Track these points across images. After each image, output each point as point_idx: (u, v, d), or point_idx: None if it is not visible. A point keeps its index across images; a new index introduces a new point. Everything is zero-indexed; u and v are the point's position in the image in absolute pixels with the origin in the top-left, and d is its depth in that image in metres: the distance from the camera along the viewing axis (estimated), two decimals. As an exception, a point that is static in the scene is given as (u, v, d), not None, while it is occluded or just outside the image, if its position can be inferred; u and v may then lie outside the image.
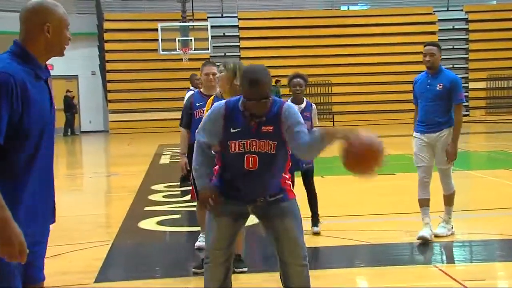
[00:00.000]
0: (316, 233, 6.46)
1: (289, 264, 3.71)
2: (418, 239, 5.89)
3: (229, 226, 3.73)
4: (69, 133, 24.35)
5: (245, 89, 3.56)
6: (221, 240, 3.71)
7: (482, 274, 5.09)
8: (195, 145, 3.81)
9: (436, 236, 5.95)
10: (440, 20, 26.30)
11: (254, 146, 3.57)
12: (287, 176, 3.82)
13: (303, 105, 6.53)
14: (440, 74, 6.06)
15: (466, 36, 26.24)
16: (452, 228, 6.14)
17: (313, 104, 6.71)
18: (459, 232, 6.48)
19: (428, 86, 6.06)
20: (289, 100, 6.64)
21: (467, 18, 26.48)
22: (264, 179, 3.64)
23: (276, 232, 3.70)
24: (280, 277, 3.79)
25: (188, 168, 5.83)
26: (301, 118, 3.65)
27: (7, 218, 2.45)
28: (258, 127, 3.56)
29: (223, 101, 3.80)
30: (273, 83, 23.62)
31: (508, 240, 6.10)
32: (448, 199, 6.13)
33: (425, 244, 5.86)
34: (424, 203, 6.07)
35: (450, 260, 5.84)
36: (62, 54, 2.87)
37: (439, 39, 25.91)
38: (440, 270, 5.21)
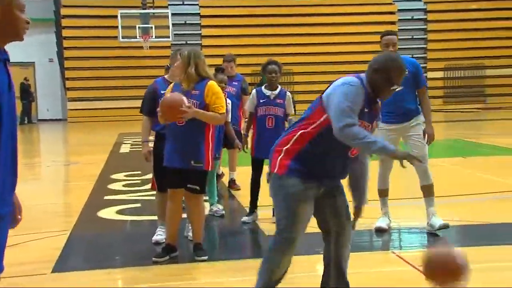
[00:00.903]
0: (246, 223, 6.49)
1: (346, 236, 3.81)
2: (375, 230, 5.93)
3: (310, 213, 3.72)
4: (25, 121, 23.89)
5: (397, 75, 3.64)
6: (304, 229, 3.73)
7: (438, 260, 5.19)
8: (352, 129, 3.43)
9: (444, 227, 5.78)
10: (399, 10, 26.59)
11: (368, 128, 3.62)
12: None
13: (276, 92, 6.54)
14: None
15: (425, 27, 26.60)
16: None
17: (288, 92, 6.72)
18: (418, 218, 6.59)
19: None
20: (263, 87, 6.65)
21: (425, 9, 26.83)
22: (349, 160, 3.69)
23: (337, 208, 3.75)
24: (326, 255, 3.88)
25: (152, 156, 5.77)
26: None
27: None
28: (377, 111, 3.75)
29: (357, 80, 3.61)
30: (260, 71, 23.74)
31: (465, 226, 6.25)
32: (431, 190, 5.93)
33: (383, 231, 5.94)
34: (384, 193, 6.07)
35: (408, 246, 5.93)
36: (20, 38, 2.79)
37: (398, 29, 26.23)
38: (398, 256, 5.30)
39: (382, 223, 5.98)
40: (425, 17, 26.71)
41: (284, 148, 3.65)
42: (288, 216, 3.64)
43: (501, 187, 8.35)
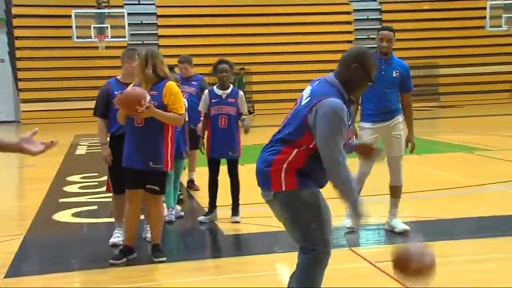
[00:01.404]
0: (236, 222, 6.50)
1: None
2: (347, 228, 5.84)
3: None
4: None
5: (374, 71, 3.57)
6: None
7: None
8: (339, 167, 3.37)
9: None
10: (355, 10, 26.89)
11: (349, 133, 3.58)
12: None
13: (228, 91, 6.55)
14: (393, 61, 5.89)
15: (380, 26, 26.95)
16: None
17: (240, 91, 6.72)
18: (375, 215, 6.67)
19: (382, 73, 5.70)
20: (215, 87, 6.64)
21: (380, 9, 27.20)
22: None
23: None
24: None
25: (112, 158, 5.71)
26: None
27: None
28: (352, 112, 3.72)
29: (340, 101, 3.40)
30: (237, 71, 23.80)
31: (420, 222, 6.34)
32: (400, 192, 5.94)
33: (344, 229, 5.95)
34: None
35: (364, 242, 6.01)
36: None
37: (354, 29, 26.61)
38: (355, 252, 5.37)
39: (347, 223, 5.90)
40: (380, 17, 27.08)
41: (284, 166, 3.46)
42: (319, 226, 3.52)
43: (455, 183, 8.55)
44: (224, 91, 6.53)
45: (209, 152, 6.58)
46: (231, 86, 6.62)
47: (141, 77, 5.21)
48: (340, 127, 3.36)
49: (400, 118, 5.91)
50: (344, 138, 3.40)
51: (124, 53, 5.86)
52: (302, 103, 3.54)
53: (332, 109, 3.36)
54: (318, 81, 3.61)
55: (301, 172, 3.48)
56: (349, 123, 3.46)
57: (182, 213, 6.91)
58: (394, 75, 5.81)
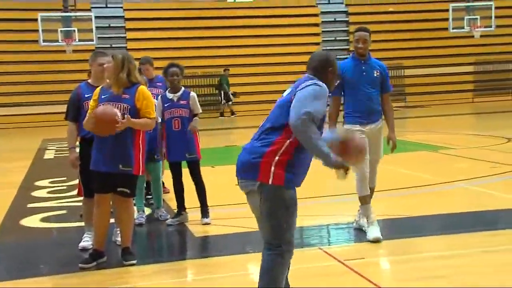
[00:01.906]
0: (207, 224, 6.48)
1: None
2: (372, 241, 5.52)
3: None
4: None
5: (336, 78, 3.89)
6: None
7: (362, 253, 5.32)
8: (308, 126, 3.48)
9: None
10: (322, 13, 27.06)
11: None
12: None
13: (179, 94, 6.51)
14: (371, 61, 5.79)
15: (347, 28, 27.16)
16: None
17: (191, 92, 6.65)
18: (345, 214, 6.72)
19: (364, 73, 5.69)
20: (167, 91, 6.61)
21: (347, 11, 27.42)
22: None
23: None
24: None
25: (79, 162, 5.66)
26: None
27: None
28: None
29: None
30: (222, 71, 23.81)
31: (388, 220, 6.39)
32: (372, 192, 5.87)
33: (312, 229, 5.93)
34: (367, 199, 5.76)
35: (334, 241, 6.02)
36: None
37: (322, 31, 26.77)
38: (324, 251, 5.39)
39: (378, 233, 5.61)
40: (347, 19, 27.29)
41: (275, 159, 3.55)
42: (289, 228, 3.64)
43: (421, 181, 8.65)
44: (176, 94, 6.50)
45: (168, 156, 6.54)
46: (182, 88, 6.57)
47: (113, 79, 5.17)
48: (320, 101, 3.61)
49: (381, 121, 5.84)
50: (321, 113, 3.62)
51: (91, 56, 5.82)
52: (285, 95, 3.77)
53: (314, 87, 3.65)
54: (298, 80, 3.85)
55: (289, 166, 3.57)
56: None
57: (168, 216, 6.77)
58: (375, 74, 5.74)
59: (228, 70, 24.06)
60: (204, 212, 6.56)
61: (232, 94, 24.14)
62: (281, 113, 3.64)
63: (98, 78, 5.65)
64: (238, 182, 3.74)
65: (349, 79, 5.71)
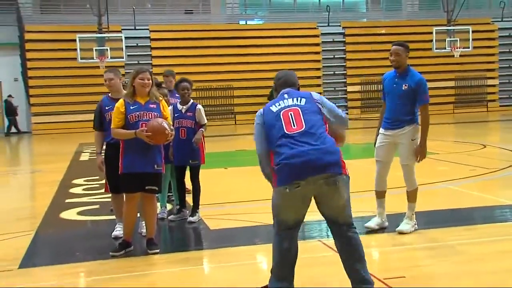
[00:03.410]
0: (192, 222, 6.34)
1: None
2: (365, 227, 5.60)
3: None
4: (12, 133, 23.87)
5: None
6: None
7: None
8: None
9: (401, 232, 5.49)
10: (322, 34, 27.03)
11: None
12: None
13: (187, 106, 6.45)
14: (407, 75, 5.50)
15: (344, 48, 27.14)
16: (415, 224, 5.61)
17: (198, 105, 6.57)
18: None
19: (394, 85, 5.51)
20: (178, 103, 6.58)
21: (344, 33, 27.39)
22: None
23: None
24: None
25: (105, 165, 5.70)
26: None
27: None
28: None
29: None
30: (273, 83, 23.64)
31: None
32: (411, 195, 5.63)
33: (373, 230, 5.69)
34: (378, 195, 5.74)
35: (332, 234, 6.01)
36: None
37: (322, 50, 26.75)
38: (324, 243, 5.38)
39: (372, 223, 5.73)
40: (343, 40, 27.25)
41: (341, 153, 3.76)
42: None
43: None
44: (184, 106, 6.43)
45: (174, 161, 6.51)
46: (191, 101, 6.47)
47: (145, 92, 5.19)
48: None
49: (408, 128, 5.50)
50: None
51: (107, 74, 5.86)
52: (301, 103, 3.86)
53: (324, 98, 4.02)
54: (291, 91, 3.99)
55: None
56: None
57: (187, 216, 6.60)
58: (403, 88, 5.45)
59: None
60: (194, 212, 6.44)
61: None
62: (319, 119, 3.79)
63: (115, 91, 5.74)
64: (310, 179, 3.60)
65: (384, 88, 5.67)
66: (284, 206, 3.73)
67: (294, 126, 3.72)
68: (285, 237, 3.79)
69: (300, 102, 3.84)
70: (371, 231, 5.68)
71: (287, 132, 3.71)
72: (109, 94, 5.84)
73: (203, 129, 6.46)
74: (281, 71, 4.22)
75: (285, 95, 3.93)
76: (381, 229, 5.74)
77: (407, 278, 4.29)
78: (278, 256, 3.82)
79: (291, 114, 3.78)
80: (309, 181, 3.59)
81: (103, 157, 5.74)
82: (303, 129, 3.70)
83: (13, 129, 24.49)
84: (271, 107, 3.89)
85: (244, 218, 6.44)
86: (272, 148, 3.78)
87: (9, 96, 24.21)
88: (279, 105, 3.86)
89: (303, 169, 3.58)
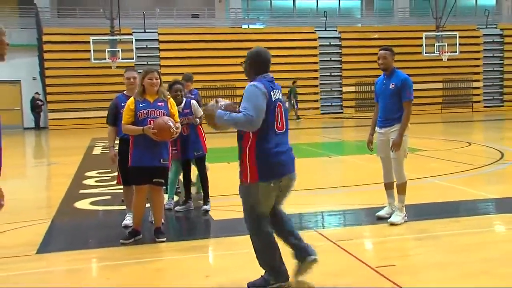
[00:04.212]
0: (206, 210, 6.36)
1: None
2: (376, 218, 5.68)
3: None
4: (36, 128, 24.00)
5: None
6: None
7: (350, 235, 5.29)
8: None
9: (392, 224, 5.48)
10: (320, 38, 26.97)
11: None
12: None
13: (182, 105, 6.41)
14: (394, 75, 5.65)
15: (340, 51, 27.09)
16: (405, 216, 5.60)
17: (192, 100, 6.53)
18: (338, 203, 6.70)
19: (383, 86, 5.67)
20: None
21: (340, 37, 27.33)
22: None
23: None
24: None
25: (118, 158, 5.69)
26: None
27: None
28: None
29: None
30: (291, 84, 23.78)
31: (371, 208, 6.35)
32: (400, 188, 5.64)
33: (383, 219, 5.63)
34: (386, 186, 5.81)
35: (328, 226, 5.99)
36: (3, 59, 2.70)
37: (319, 53, 26.69)
38: (320, 233, 5.36)
39: (383, 212, 5.78)
40: (340, 43, 27.19)
41: None
42: None
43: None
44: (180, 106, 6.37)
45: (180, 155, 6.48)
46: (184, 99, 6.42)
47: (153, 90, 5.17)
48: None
49: (398, 125, 5.56)
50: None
51: (130, 73, 5.86)
52: (281, 99, 3.83)
53: None
54: (274, 82, 3.89)
55: None
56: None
57: (192, 207, 6.61)
58: (390, 87, 5.59)
59: (296, 82, 23.78)
60: (205, 200, 6.47)
61: (297, 102, 23.85)
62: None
63: (128, 89, 5.72)
64: (289, 176, 3.74)
65: (376, 91, 5.81)
66: (267, 200, 3.73)
67: (279, 124, 3.72)
68: (266, 224, 3.80)
69: (281, 98, 3.81)
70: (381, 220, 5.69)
71: (276, 130, 3.70)
72: (124, 92, 5.83)
73: (198, 119, 6.42)
74: (260, 48, 4.01)
75: (272, 85, 3.77)
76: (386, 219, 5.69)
77: (398, 266, 4.28)
78: (274, 250, 3.77)
79: (279, 111, 3.72)
80: (287, 177, 3.74)
81: (116, 151, 5.72)
82: (284, 129, 3.77)
83: (32, 124, 24.52)
84: (271, 93, 3.70)
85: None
86: (258, 133, 3.61)
87: (36, 93, 24.25)
88: (274, 94, 3.72)
89: (287, 167, 3.73)
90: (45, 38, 24.19)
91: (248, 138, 3.64)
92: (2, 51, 2.65)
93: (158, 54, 25.32)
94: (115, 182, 6.27)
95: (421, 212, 6.22)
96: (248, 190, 3.70)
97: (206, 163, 6.73)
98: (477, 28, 28.52)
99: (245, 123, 3.55)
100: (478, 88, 28.23)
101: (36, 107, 24.28)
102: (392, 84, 5.59)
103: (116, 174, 5.99)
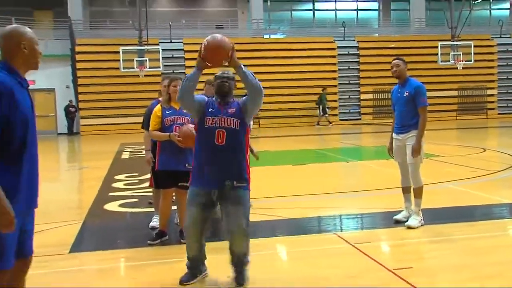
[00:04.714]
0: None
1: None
2: (394, 221, 5.64)
3: None
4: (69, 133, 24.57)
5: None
6: None
7: (368, 238, 5.25)
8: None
9: (409, 227, 5.43)
10: (339, 47, 26.87)
11: None
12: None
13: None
14: (407, 83, 5.64)
15: (358, 59, 26.94)
16: (422, 220, 5.54)
17: None
18: (356, 207, 6.64)
19: (398, 94, 5.67)
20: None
21: (358, 46, 27.19)
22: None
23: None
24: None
25: (154, 160, 5.73)
26: None
27: (2, 196, 2.36)
28: None
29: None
30: (321, 91, 24.08)
31: (388, 212, 6.29)
32: (416, 192, 5.58)
33: (400, 222, 5.62)
34: (403, 190, 5.77)
35: (346, 228, 5.95)
36: (36, 68, 2.74)
37: (338, 61, 26.58)
38: (339, 236, 5.33)
39: (400, 215, 5.73)
40: (358, 52, 27.05)
41: None
42: None
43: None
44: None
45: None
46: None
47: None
48: None
49: (414, 131, 5.54)
50: None
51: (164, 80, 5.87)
52: None
53: None
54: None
55: None
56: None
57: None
58: (405, 95, 5.59)
59: (326, 89, 24.04)
60: None
61: (327, 108, 23.96)
62: None
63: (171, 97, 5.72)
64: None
65: (393, 99, 5.81)
66: None
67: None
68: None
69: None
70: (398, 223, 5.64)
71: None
72: (159, 99, 5.87)
73: None
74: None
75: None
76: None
77: (414, 268, 4.23)
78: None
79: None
80: None
81: (151, 154, 5.76)
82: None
83: (65, 130, 24.97)
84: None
85: (265, 213, 6.41)
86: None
87: (70, 101, 24.87)
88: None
89: None
90: (77, 48, 24.60)
91: (247, 142, 3.81)
92: (35, 60, 2.70)
93: (183, 63, 25.52)
94: (145, 184, 6.31)
95: (437, 216, 6.13)
96: (248, 195, 3.78)
97: None
98: (491, 37, 28.14)
99: (260, 86, 4.07)
100: (492, 95, 27.78)
101: (69, 114, 24.78)
102: (406, 92, 5.60)
103: (146, 177, 6.02)
